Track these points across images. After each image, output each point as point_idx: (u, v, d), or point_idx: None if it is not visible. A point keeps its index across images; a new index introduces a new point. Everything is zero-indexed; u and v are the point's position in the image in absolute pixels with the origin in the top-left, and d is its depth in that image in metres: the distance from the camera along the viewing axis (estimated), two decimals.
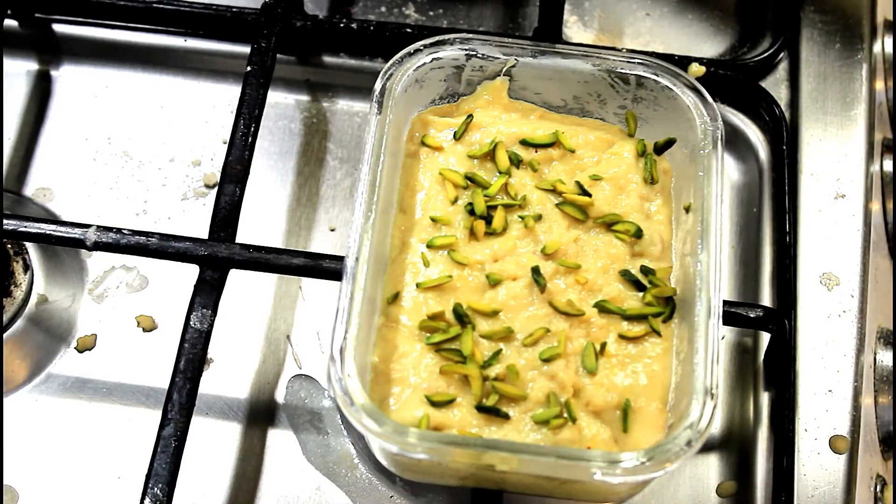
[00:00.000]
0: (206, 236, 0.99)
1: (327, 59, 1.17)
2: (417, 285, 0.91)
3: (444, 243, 0.92)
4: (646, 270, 0.92)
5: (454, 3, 1.20)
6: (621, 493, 0.92)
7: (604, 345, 0.89)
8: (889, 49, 1.14)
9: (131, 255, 1.01)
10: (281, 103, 1.16)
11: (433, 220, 0.94)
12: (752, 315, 0.96)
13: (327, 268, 0.96)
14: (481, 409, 0.86)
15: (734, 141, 1.11)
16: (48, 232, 0.98)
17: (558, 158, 0.97)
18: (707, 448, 0.99)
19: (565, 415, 0.86)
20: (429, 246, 0.92)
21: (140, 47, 1.17)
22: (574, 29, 1.19)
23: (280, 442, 1.00)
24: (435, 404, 0.86)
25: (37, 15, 1.17)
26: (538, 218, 0.94)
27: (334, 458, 0.99)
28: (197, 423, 0.94)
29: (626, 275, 0.92)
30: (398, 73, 0.95)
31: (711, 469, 0.99)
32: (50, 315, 1.04)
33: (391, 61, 0.96)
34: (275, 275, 1.04)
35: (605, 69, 0.97)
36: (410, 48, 0.97)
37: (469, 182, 0.95)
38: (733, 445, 1.00)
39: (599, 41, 1.18)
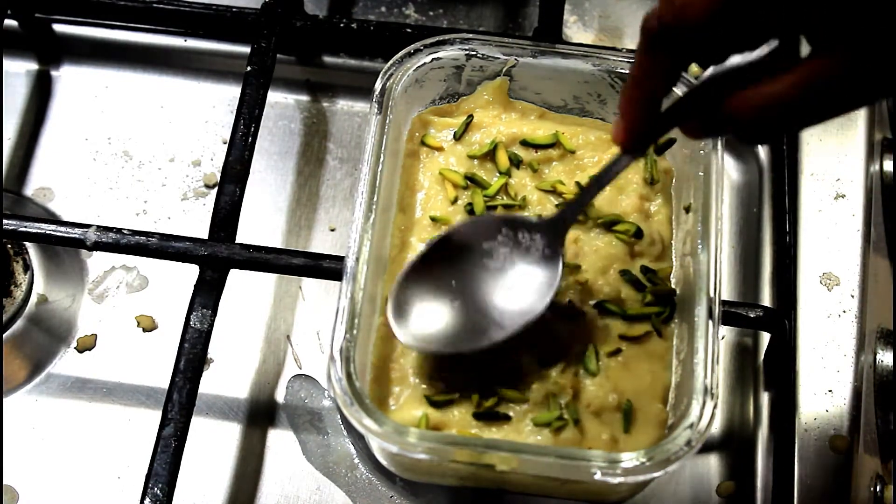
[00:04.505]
0: (206, 236, 0.99)
1: (327, 59, 1.17)
2: None
3: None
4: (646, 270, 0.92)
5: (454, 3, 1.20)
6: (621, 493, 0.92)
7: (604, 345, 0.89)
8: None
9: (131, 255, 1.01)
10: (281, 103, 1.16)
11: (433, 219, 0.94)
12: (752, 315, 0.96)
13: (327, 268, 0.96)
14: (480, 415, 0.86)
15: (734, 141, 1.11)
16: (48, 232, 0.98)
17: (558, 159, 0.97)
18: (707, 448, 0.99)
19: (565, 416, 0.86)
20: None
21: (140, 47, 1.17)
22: (574, 29, 1.19)
23: (280, 442, 1.00)
24: (435, 404, 0.86)
25: (37, 15, 1.17)
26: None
27: (334, 458, 0.99)
28: (197, 423, 0.94)
29: (625, 275, 0.92)
30: (398, 73, 0.95)
31: (711, 469, 0.99)
32: (50, 315, 1.05)
33: (391, 61, 0.96)
34: (275, 275, 1.04)
35: (605, 69, 0.97)
36: (410, 48, 0.97)
37: (469, 182, 0.95)
38: (733, 445, 1.00)
39: (599, 41, 1.18)
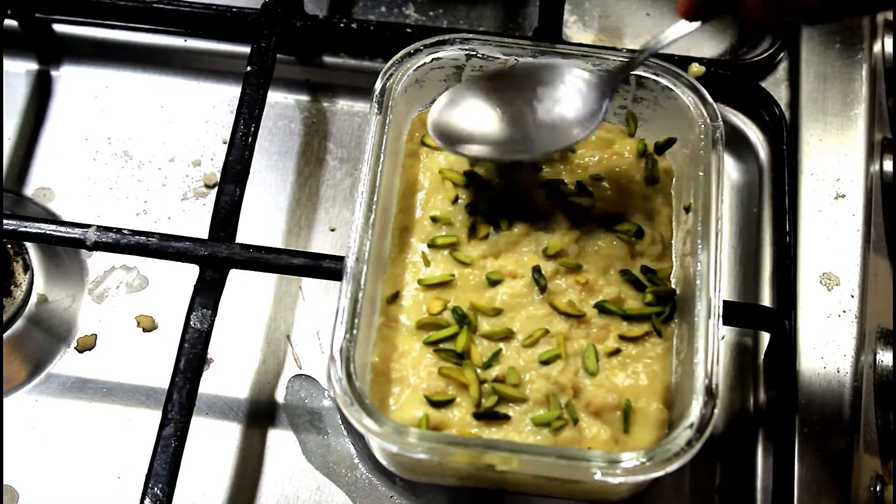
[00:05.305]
0: (206, 236, 0.99)
1: (327, 59, 1.17)
2: (419, 282, 0.91)
3: (446, 242, 0.92)
4: (646, 270, 0.92)
5: (454, 3, 1.20)
6: (622, 493, 0.92)
7: (604, 345, 0.89)
8: (889, 49, 1.14)
9: (131, 255, 1.01)
10: (281, 103, 1.16)
11: (433, 219, 0.94)
12: (752, 315, 0.96)
13: (327, 268, 0.96)
14: (480, 415, 0.86)
15: (734, 141, 1.11)
16: (48, 232, 0.98)
17: (559, 157, 0.97)
18: (707, 448, 0.99)
19: (565, 416, 0.86)
20: (430, 245, 0.92)
21: (140, 47, 1.17)
22: (574, 29, 1.19)
23: (280, 442, 1.00)
24: (435, 404, 0.86)
25: (37, 15, 1.17)
26: None
27: (334, 458, 0.99)
28: (197, 423, 0.94)
29: (626, 275, 0.92)
30: (398, 73, 0.95)
31: (711, 469, 0.99)
32: (50, 315, 1.05)
33: (391, 61, 0.96)
34: (275, 275, 1.04)
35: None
36: (410, 48, 0.97)
37: (469, 180, 0.95)
38: (733, 445, 1.00)
39: (599, 41, 1.18)
